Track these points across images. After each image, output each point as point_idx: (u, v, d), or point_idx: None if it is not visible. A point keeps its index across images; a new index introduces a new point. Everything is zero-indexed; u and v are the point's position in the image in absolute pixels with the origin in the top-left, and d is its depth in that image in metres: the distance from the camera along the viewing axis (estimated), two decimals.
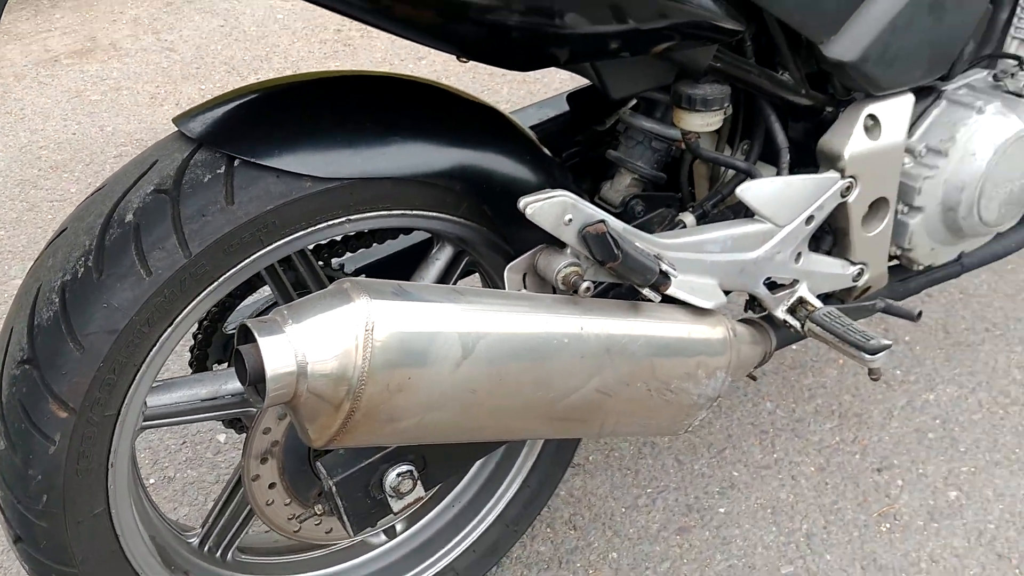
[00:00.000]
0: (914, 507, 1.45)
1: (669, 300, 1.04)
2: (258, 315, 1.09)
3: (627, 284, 0.99)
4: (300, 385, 0.75)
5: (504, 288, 0.96)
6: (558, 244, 0.95)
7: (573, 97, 1.24)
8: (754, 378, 1.31)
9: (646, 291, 0.98)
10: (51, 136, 2.36)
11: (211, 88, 2.50)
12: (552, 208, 0.91)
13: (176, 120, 0.89)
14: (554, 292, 0.96)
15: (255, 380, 0.75)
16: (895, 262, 1.32)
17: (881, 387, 1.66)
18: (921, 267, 1.34)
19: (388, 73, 1.00)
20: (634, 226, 1.10)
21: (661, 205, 1.17)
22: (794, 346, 1.71)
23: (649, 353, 0.97)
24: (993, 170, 1.21)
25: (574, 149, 1.25)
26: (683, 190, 1.25)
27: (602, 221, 0.92)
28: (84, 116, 2.45)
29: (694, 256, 1.06)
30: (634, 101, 1.17)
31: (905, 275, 1.39)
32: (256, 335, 0.75)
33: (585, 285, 0.93)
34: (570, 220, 0.92)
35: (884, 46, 1.09)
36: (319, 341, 0.76)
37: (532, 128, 1.22)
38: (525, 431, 0.95)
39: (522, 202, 0.90)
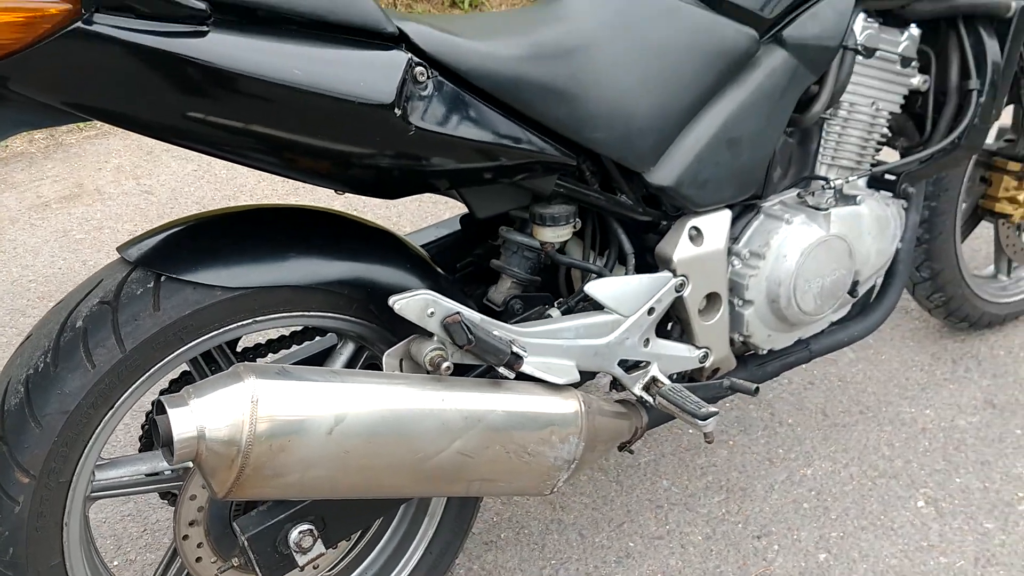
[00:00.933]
0: (788, 568, 1.62)
1: (528, 378, 1.26)
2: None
3: (486, 364, 1.22)
4: (201, 446, 0.96)
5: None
6: (426, 334, 1.18)
7: (465, 218, 1.50)
8: (631, 451, 1.51)
9: (501, 369, 1.21)
10: (40, 271, 2.62)
11: None
12: (416, 304, 1.14)
13: (119, 248, 1.13)
14: (426, 373, 1.19)
15: (166, 442, 0.96)
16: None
17: (765, 464, 1.86)
18: (764, 351, 1.57)
19: (300, 205, 1.25)
20: (513, 322, 1.34)
21: (539, 303, 1.41)
22: (690, 429, 1.93)
23: (505, 421, 1.18)
24: (801, 269, 1.46)
25: (468, 259, 1.50)
26: (560, 287, 1.50)
27: (457, 313, 1.16)
28: (69, 252, 2.71)
29: (551, 342, 1.29)
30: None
31: (761, 360, 1.62)
32: (167, 407, 0.97)
33: (445, 364, 1.16)
34: (432, 313, 1.15)
35: (695, 174, 1.35)
36: (215, 412, 0.97)
37: (430, 243, 1.47)
38: (398, 488, 1.15)
39: (391, 300, 1.13)
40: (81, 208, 2.95)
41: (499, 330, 1.22)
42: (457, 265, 1.48)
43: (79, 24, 0.85)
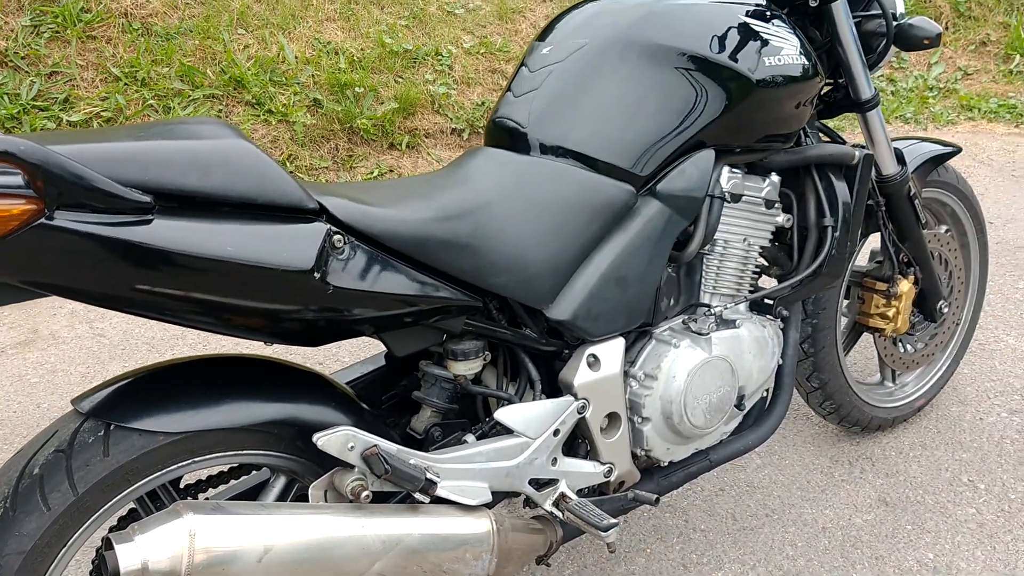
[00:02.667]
0: None
1: (445, 500, 1.38)
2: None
3: (404, 490, 1.34)
4: None
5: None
6: (348, 465, 1.31)
7: (389, 354, 1.65)
8: (547, 564, 1.62)
9: (418, 495, 1.33)
10: None
11: (133, 365, 2.88)
12: (337, 439, 1.27)
13: (73, 400, 1.25)
14: (348, 502, 1.31)
15: (113, 575, 1.07)
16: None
17: (679, 569, 1.97)
18: (665, 463, 1.72)
19: (235, 354, 1.39)
20: (432, 448, 1.47)
21: (457, 429, 1.54)
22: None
23: (420, 542, 1.30)
24: (690, 387, 1.63)
25: (393, 392, 1.64)
26: (479, 412, 1.64)
27: (375, 445, 1.29)
28: (24, 396, 2.78)
29: (464, 466, 1.42)
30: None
31: (665, 472, 1.76)
32: (114, 543, 1.08)
33: (365, 493, 1.28)
34: (352, 447, 1.28)
35: (589, 309, 1.52)
36: (157, 546, 1.08)
37: (357, 379, 1.61)
38: None
39: (315, 437, 1.27)
40: (36, 353, 3.03)
41: (415, 458, 1.35)
42: (383, 398, 1.62)
43: (42, 220, 1.00)
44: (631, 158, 1.55)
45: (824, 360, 2.15)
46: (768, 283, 1.93)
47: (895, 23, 1.87)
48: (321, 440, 1.26)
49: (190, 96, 3.80)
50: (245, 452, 1.29)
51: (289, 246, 1.16)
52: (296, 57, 4.07)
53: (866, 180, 1.85)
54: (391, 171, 3.90)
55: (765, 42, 1.63)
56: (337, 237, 1.21)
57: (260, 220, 1.16)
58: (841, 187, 1.82)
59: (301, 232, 1.18)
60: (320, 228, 1.20)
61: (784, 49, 1.64)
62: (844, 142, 1.97)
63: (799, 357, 2.15)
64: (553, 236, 1.49)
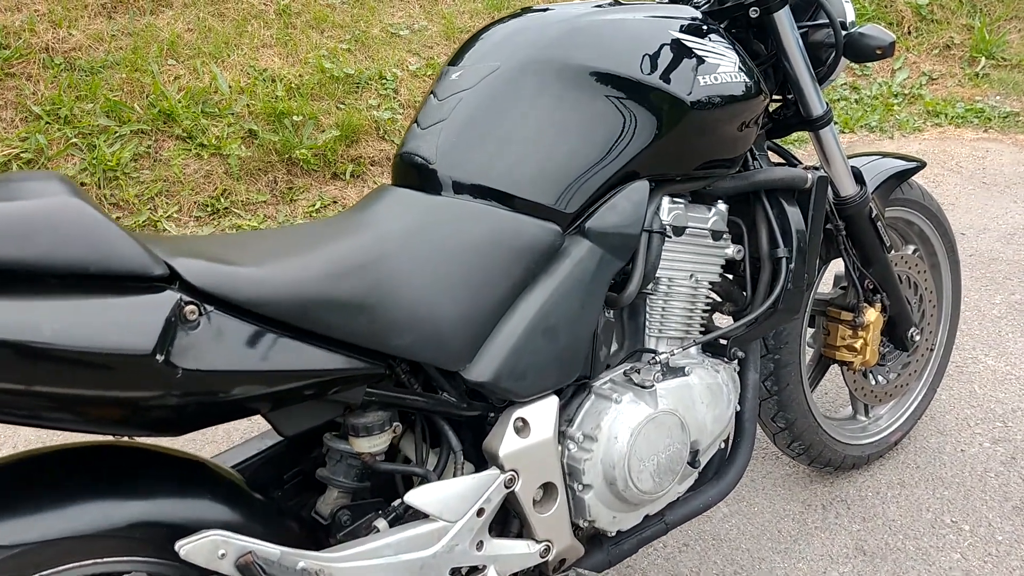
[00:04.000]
0: None
1: None
2: None
3: None
4: None
5: None
6: None
7: None
8: None
9: None
10: None
11: None
12: (205, 547, 1.09)
13: None
14: None
15: None
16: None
17: None
18: (612, 533, 1.54)
19: (94, 442, 1.20)
20: (340, 536, 1.28)
21: (369, 511, 1.36)
22: None
23: None
24: (634, 449, 1.45)
25: (297, 469, 1.45)
26: (399, 488, 1.45)
27: (250, 552, 1.11)
28: None
29: (368, 563, 1.24)
30: None
31: (615, 540, 1.58)
32: None
33: None
34: (224, 554, 1.10)
35: (513, 366, 1.35)
36: None
37: (252, 457, 1.42)
38: None
39: (177, 546, 1.08)
40: None
41: (305, 560, 1.17)
42: (285, 476, 1.43)
43: None
44: (554, 194, 1.39)
45: (789, 398, 1.99)
46: (722, 320, 1.77)
47: (845, 32, 1.72)
48: (184, 549, 1.08)
49: (116, 132, 3.61)
50: (104, 560, 1.10)
51: (125, 323, 0.98)
52: (230, 87, 3.90)
53: (821, 204, 1.70)
54: (335, 202, 3.73)
55: (700, 60, 1.47)
56: (190, 308, 1.03)
57: (93, 293, 0.99)
58: (794, 213, 1.67)
59: (143, 305, 1.00)
60: (168, 298, 1.02)
61: (721, 66, 1.49)
62: (798, 163, 1.82)
63: (762, 396, 1.99)
64: (467, 287, 1.32)
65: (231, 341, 1.09)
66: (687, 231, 1.57)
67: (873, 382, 2.21)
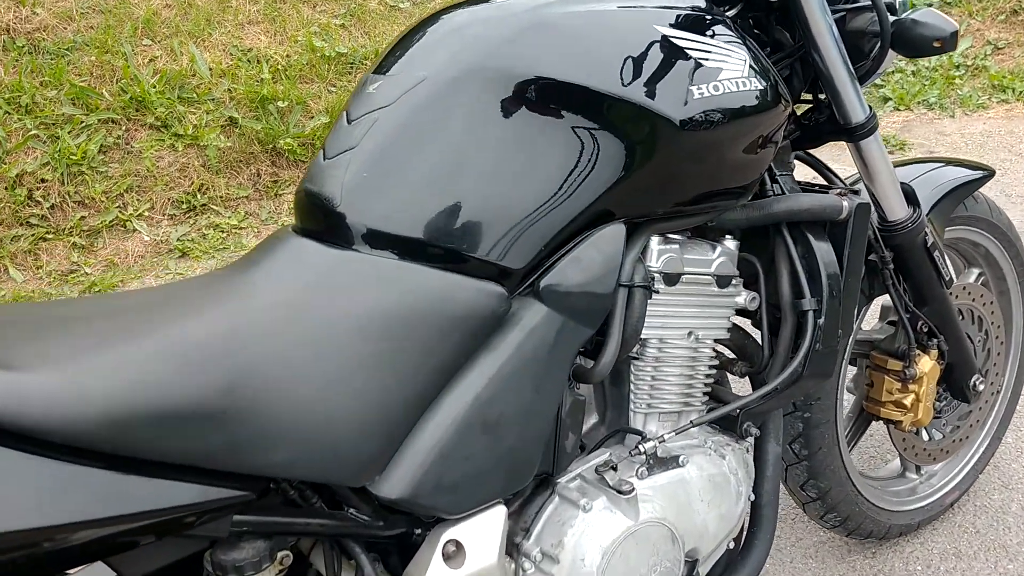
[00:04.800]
0: None
1: None
2: None
3: None
4: None
5: None
6: None
7: None
8: None
9: None
10: None
11: None
12: None
13: None
14: None
15: None
16: None
17: None
18: None
19: None
20: None
21: None
22: None
23: None
24: (607, 574, 1.13)
25: None
26: None
27: None
28: None
29: None
30: None
31: None
32: None
33: None
34: None
35: (439, 476, 1.03)
36: None
37: None
38: None
39: None
40: None
41: None
42: None
43: None
44: (495, 245, 1.06)
45: (822, 463, 1.65)
46: (735, 380, 1.43)
47: (893, 18, 1.35)
48: None
49: (83, 122, 3.33)
50: None
51: None
52: (210, 69, 3.59)
53: (861, 238, 1.35)
54: None
55: (696, 64, 1.12)
56: None
57: None
58: (825, 252, 1.32)
59: None
60: None
61: (725, 70, 1.14)
62: (835, 178, 1.45)
63: (788, 460, 1.65)
64: (375, 373, 1.00)
65: (21, 487, 0.79)
66: (683, 278, 1.23)
67: (926, 439, 1.85)
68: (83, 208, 3.22)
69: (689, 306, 1.26)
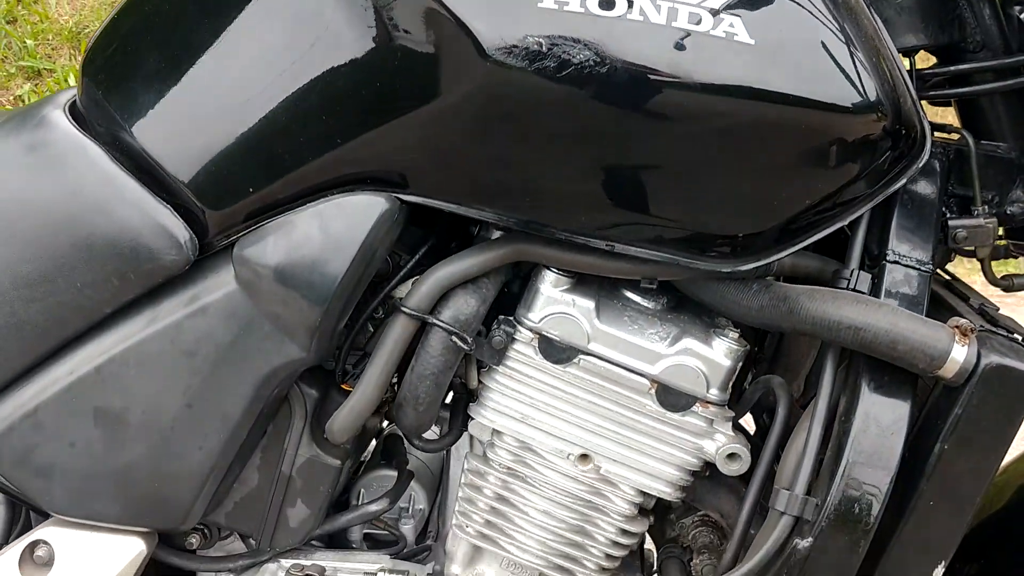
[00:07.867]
0: None
1: None
2: None
3: None
4: None
5: None
6: None
7: None
8: None
9: None
10: None
11: None
12: None
13: None
14: None
15: None
16: None
17: None
18: None
19: None
20: None
21: None
22: None
23: None
24: None
25: None
26: None
27: None
28: None
29: None
30: None
31: None
32: None
33: None
34: None
35: (27, 449, 0.79)
36: None
37: None
38: None
39: None
40: None
41: None
42: None
43: None
44: (188, 166, 0.74)
45: None
46: None
47: None
48: None
49: None
50: None
51: None
52: None
53: (981, 433, 0.69)
54: None
55: None
56: None
57: None
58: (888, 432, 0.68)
59: None
60: None
61: None
62: (969, 295, 0.82)
63: None
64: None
65: None
66: (583, 361, 0.74)
67: None
68: None
69: (586, 412, 0.75)
